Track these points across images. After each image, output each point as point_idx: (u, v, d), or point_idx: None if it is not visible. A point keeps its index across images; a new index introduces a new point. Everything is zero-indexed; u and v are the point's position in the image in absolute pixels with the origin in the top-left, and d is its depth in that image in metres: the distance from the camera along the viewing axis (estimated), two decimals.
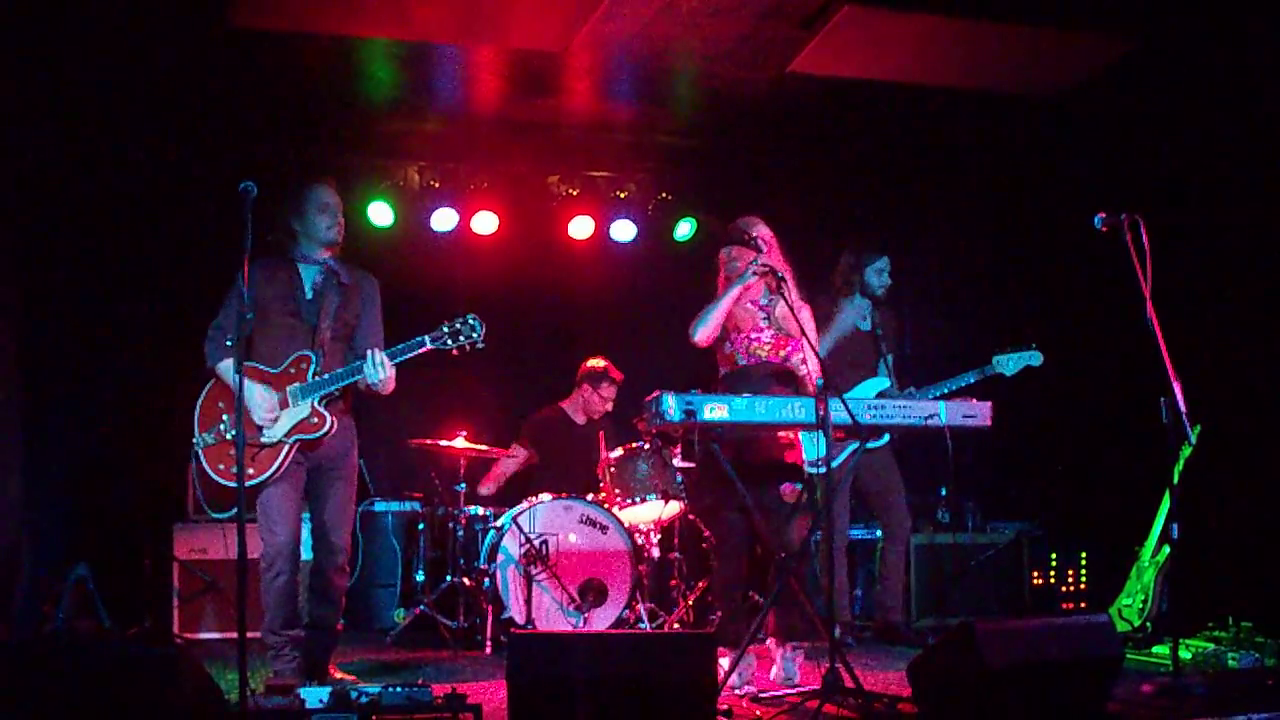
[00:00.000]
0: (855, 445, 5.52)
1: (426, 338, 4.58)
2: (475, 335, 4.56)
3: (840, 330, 5.94)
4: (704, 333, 4.90)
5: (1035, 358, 5.94)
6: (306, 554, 4.85)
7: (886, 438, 5.68)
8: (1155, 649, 5.65)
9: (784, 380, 4.93)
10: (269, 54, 5.89)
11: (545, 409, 7.07)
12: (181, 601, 6.39)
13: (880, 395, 5.89)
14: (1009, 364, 5.91)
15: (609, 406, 6.97)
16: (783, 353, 4.95)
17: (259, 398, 4.53)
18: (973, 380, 5.85)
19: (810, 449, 5.24)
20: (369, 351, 4.54)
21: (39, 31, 5.54)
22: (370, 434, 4.92)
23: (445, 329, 4.57)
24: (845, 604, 6.10)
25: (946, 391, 5.85)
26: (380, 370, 4.51)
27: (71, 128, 6.36)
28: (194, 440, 4.60)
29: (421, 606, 6.31)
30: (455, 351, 4.58)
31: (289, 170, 6.18)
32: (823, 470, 5.55)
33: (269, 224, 4.72)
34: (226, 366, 4.54)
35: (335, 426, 4.59)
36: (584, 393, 6.97)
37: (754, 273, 4.80)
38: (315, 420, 4.57)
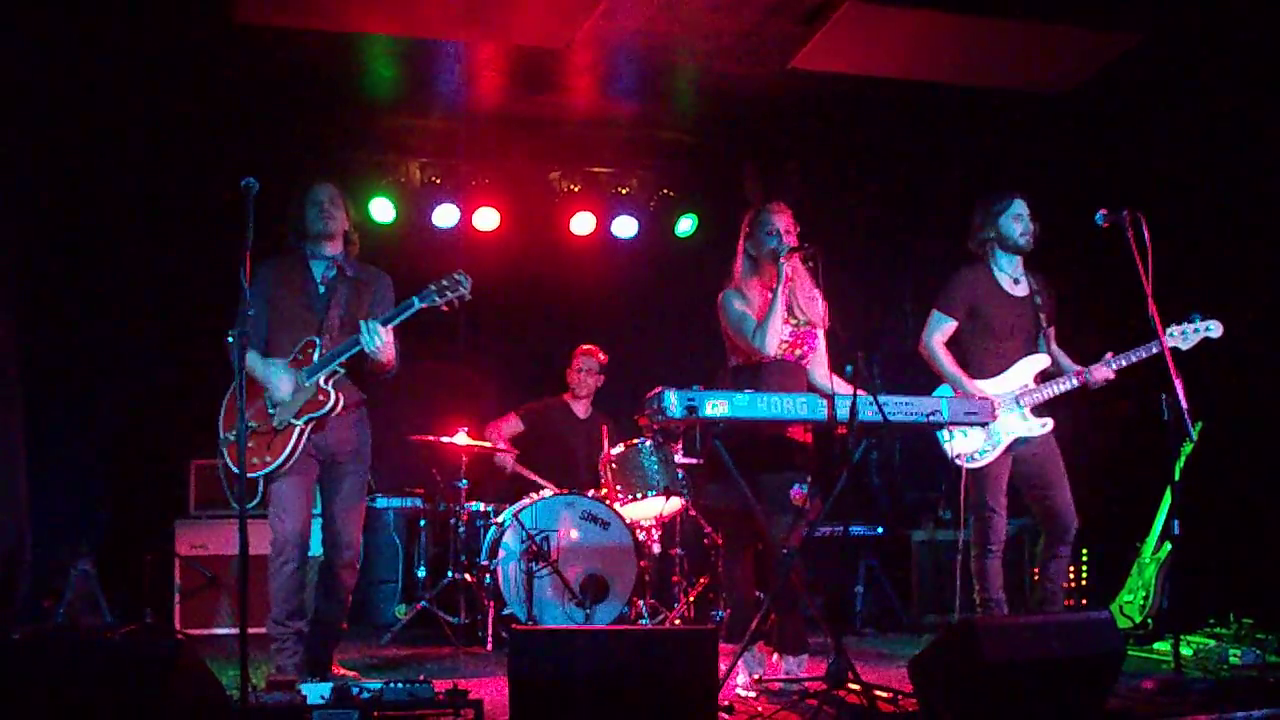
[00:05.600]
0: (1013, 434, 5.11)
1: (415, 298, 4.63)
2: (463, 289, 4.63)
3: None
4: (772, 343, 4.72)
5: (1213, 328, 5.12)
6: (316, 549, 4.88)
7: (1048, 423, 5.14)
8: (1157, 645, 5.65)
9: (795, 377, 4.85)
10: (272, 50, 5.90)
11: (551, 397, 7.10)
12: (183, 597, 6.40)
13: (1041, 375, 5.21)
14: (1185, 337, 5.10)
15: (586, 379, 6.99)
16: (799, 350, 4.86)
17: (280, 381, 4.63)
18: (1144, 356, 5.06)
19: (965, 440, 5.09)
20: (362, 321, 4.58)
21: (42, 29, 5.54)
22: (371, 430, 4.94)
23: (433, 286, 4.62)
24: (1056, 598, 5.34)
25: (1117, 367, 5.13)
26: (376, 336, 4.55)
27: (74, 124, 6.36)
28: (219, 440, 4.65)
29: (423, 603, 6.32)
30: (445, 307, 4.63)
31: (291, 166, 6.18)
32: (973, 466, 5.13)
33: (282, 223, 4.82)
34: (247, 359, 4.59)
35: (341, 401, 4.65)
36: (569, 378, 7.03)
37: (784, 259, 4.72)
38: (321, 398, 4.62)
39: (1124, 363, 5.12)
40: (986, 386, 5.14)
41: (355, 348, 4.60)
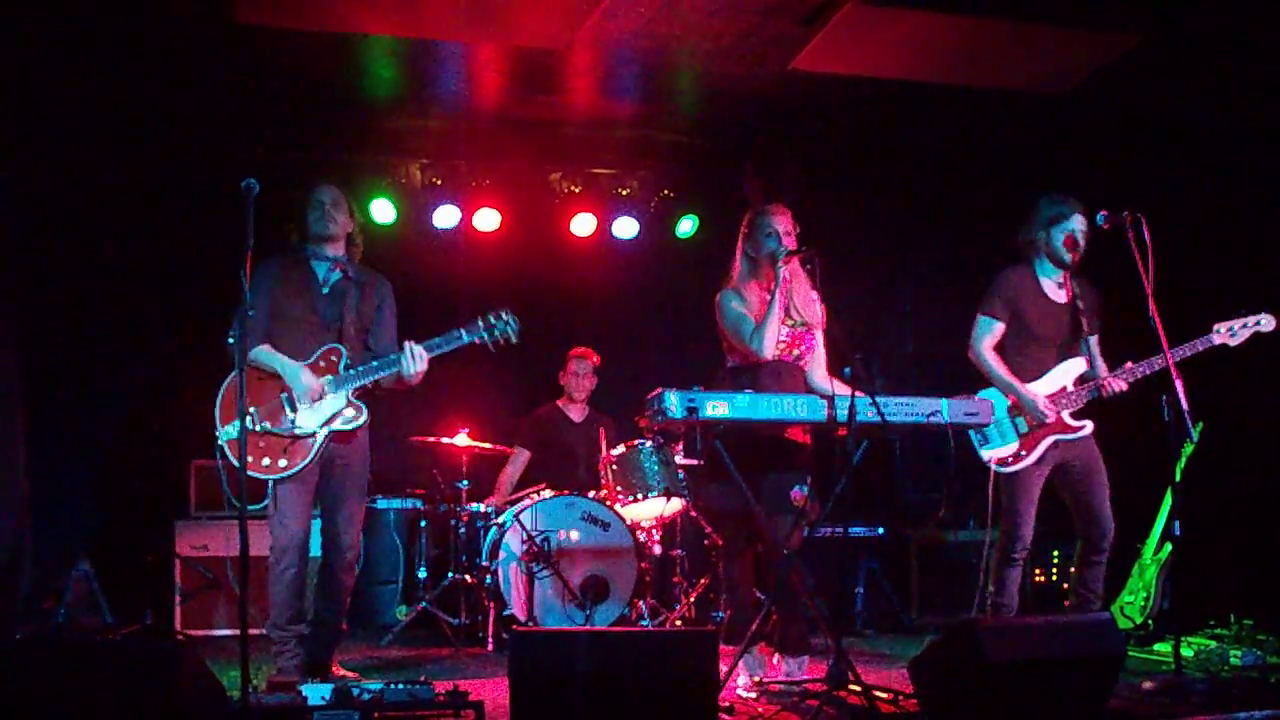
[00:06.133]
0: (1052, 439, 5.08)
1: (463, 332, 4.64)
2: (510, 330, 4.64)
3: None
4: (769, 346, 4.71)
5: (1265, 322, 5.05)
6: (316, 551, 4.88)
7: (1087, 427, 5.11)
8: (1157, 646, 5.65)
9: (793, 378, 4.85)
10: (272, 50, 5.89)
11: (542, 407, 7.09)
12: (183, 598, 6.40)
13: (1080, 379, 5.17)
14: (1233, 334, 5.03)
15: (584, 382, 6.97)
16: (796, 351, 4.86)
17: (304, 378, 4.61)
18: (1188, 354, 4.98)
19: (1000, 444, 5.10)
20: (406, 344, 4.61)
21: (42, 29, 5.54)
22: (371, 431, 4.94)
23: (481, 323, 4.63)
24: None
25: (1155, 369, 5.01)
26: (417, 363, 4.59)
27: (74, 124, 6.36)
28: (216, 434, 4.58)
29: (423, 604, 6.32)
30: (491, 347, 4.64)
31: (292, 167, 6.19)
32: (1007, 470, 5.11)
33: (283, 223, 4.83)
34: (255, 355, 4.60)
35: (368, 419, 4.66)
36: (561, 382, 7.03)
37: (781, 262, 4.71)
38: (350, 412, 4.63)
39: (1140, 373, 5.08)
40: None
41: (393, 369, 4.61)
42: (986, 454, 5.15)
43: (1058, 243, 5.13)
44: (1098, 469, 5.14)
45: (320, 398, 4.61)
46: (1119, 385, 5.09)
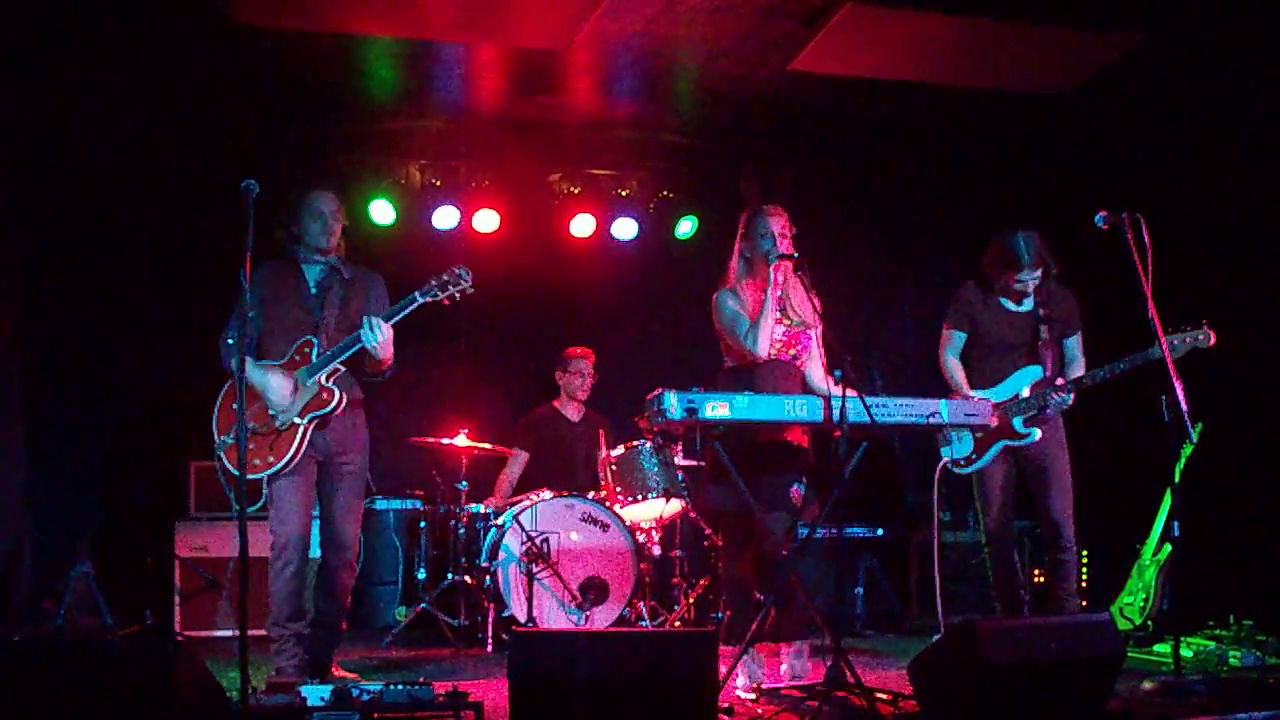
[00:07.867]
0: (1001, 444, 5.24)
1: (417, 294, 4.64)
2: (464, 282, 4.65)
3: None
4: (764, 344, 4.72)
5: (1204, 338, 5.04)
6: (315, 551, 4.88)
7: (1033, 435, 5.20)
8: (1157, 647, 5.65)
9: (790, 378, 4.86)
10: (272, 52, 5.90)
11: (539, 408, 7.08)
12: (183, 599, 6.40)
13: (1036, 385, 5.25)
14: (1174, 347, 4.97)
15: (586, 382, 6.94)
16: (792, 350, 4.86)
17: (275, 382, 4.63)
18: (1126, 367, 5.04)
19: (958, 448, 5.32)
20: (364, 318, 4.59)
21: (42, 29, 5.54)
22: (371, 432, 4.94)
23: (434, 281, 4.64)
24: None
25: (1101, 379, 5.12)
26: (377, 333, 4.56)
27: (73, 125, 6.36)
28: (215, 444, 4.64)
29: (423, 604, 6.32)
30: (446, 301, 4.65)
31: (291, 168, 6.19)
32: (961, 472, 5.38)
33: (274, 224, 4.81)
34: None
35: (345, 399, 4.67)
36: (560, 382, 7.01)
37: (773, 266, 4.72)
38: (325, 396, 4.64)
39: (1086, 385, 5.18)
40: (981, 397, 5.24)
41: (356, 345, 4.61)
42: (945, 456, 5.40)
43: (1002, 286, 5.32)
44: (1053, 472, 5.27)
45: (295, 391, 4.63)
46: (1063, 398, 5.20)
